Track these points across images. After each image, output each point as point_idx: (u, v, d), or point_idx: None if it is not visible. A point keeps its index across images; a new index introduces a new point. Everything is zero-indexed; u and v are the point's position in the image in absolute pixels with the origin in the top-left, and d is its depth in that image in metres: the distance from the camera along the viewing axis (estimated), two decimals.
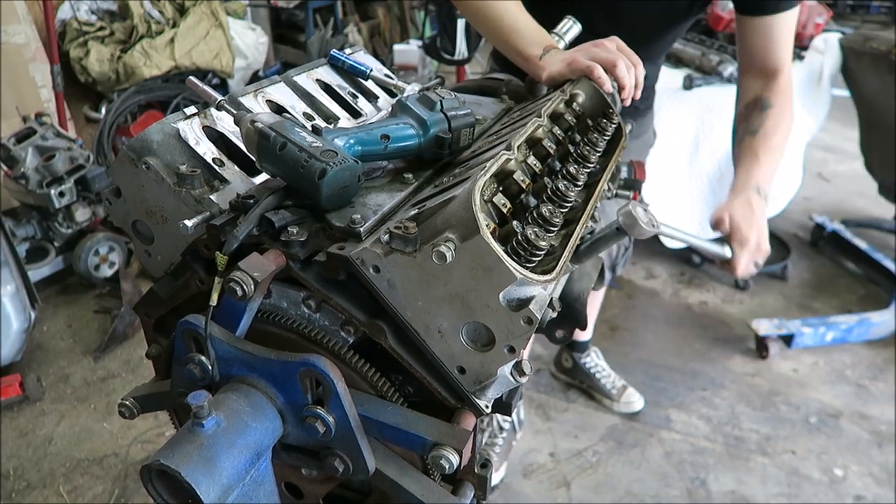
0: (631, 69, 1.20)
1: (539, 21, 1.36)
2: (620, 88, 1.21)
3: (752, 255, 1.28)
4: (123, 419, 1.02)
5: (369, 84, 1.21)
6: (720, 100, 2.94)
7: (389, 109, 1.02)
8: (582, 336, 2.50)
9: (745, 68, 1.58)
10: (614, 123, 1.15)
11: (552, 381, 2.64)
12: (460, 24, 4.35)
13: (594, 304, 2.34)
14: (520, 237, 0.71)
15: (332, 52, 1.18)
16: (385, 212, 0.82)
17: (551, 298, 0.77)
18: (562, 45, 1.34)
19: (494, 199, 0.79)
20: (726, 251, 1.26)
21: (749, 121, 1.48)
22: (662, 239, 2.97)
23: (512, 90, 1.36)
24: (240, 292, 0.70)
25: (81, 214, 3.02)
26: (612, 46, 1.22)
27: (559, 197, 0.82)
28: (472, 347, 0.74)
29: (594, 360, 2.53)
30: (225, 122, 0.96)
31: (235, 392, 0.76)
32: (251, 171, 0.93)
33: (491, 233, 0.69)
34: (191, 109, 0.94)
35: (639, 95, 1.24)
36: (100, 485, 2.12)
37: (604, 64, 1.18)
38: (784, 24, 1.48)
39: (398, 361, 0.78)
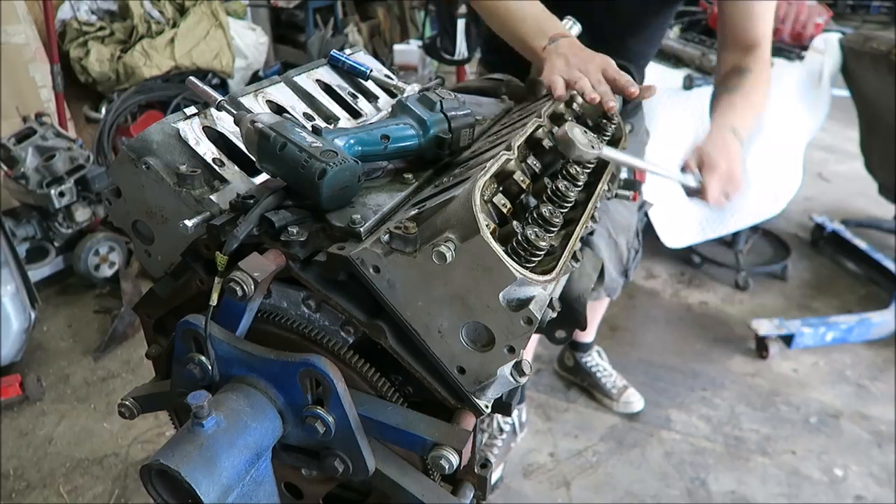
0: (598, 85, 1.16)
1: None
2: (588, 101, 1.16)
3: (722, 181, 1.20)
4: (123, 419, 1.02)
5: (369, 84, 1.21)
6: None
7: (389, 110, 1.02)
8: (584, 338, 2.50)
9: (723, 44, 1.56)
10: (614, 124, 1.15)
11: (553, 381, 2.64)
12: (460, 24, 4.34)
13: (598, 309, 2.34)
14: (520, 237, 0.72)
15: (332, 53, 1.18)
16: (385, 212, 0.82)
17: (551, 298, 0.77)
18: None
19: (494, 200, 0.79)
20: (688, 179, 1.19)
21: (727, 83, 1.48)
22: (661, 235, 2.99)
23: (512, 90, 1.37)
24: (240, 292, 0.71)
25: (81, 214, 3.02)
26: (590, 68, 1.18)
27: (559, 197, 0.82)
28: (472, 347, 0.74)
29: (595, 360, 2.53)
30: (225, 123, 0.96)
31: (235, 392, 0.76)
32: (251, 171, 0.93)
33: (491, 233, 0.69)
34: (191, 109, 0.94)
35: (636, 92, 1.22)
36: (100, 485, 2.12)
37: (567, 81, 1.15)
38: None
39: (398, 361, 0.78)
